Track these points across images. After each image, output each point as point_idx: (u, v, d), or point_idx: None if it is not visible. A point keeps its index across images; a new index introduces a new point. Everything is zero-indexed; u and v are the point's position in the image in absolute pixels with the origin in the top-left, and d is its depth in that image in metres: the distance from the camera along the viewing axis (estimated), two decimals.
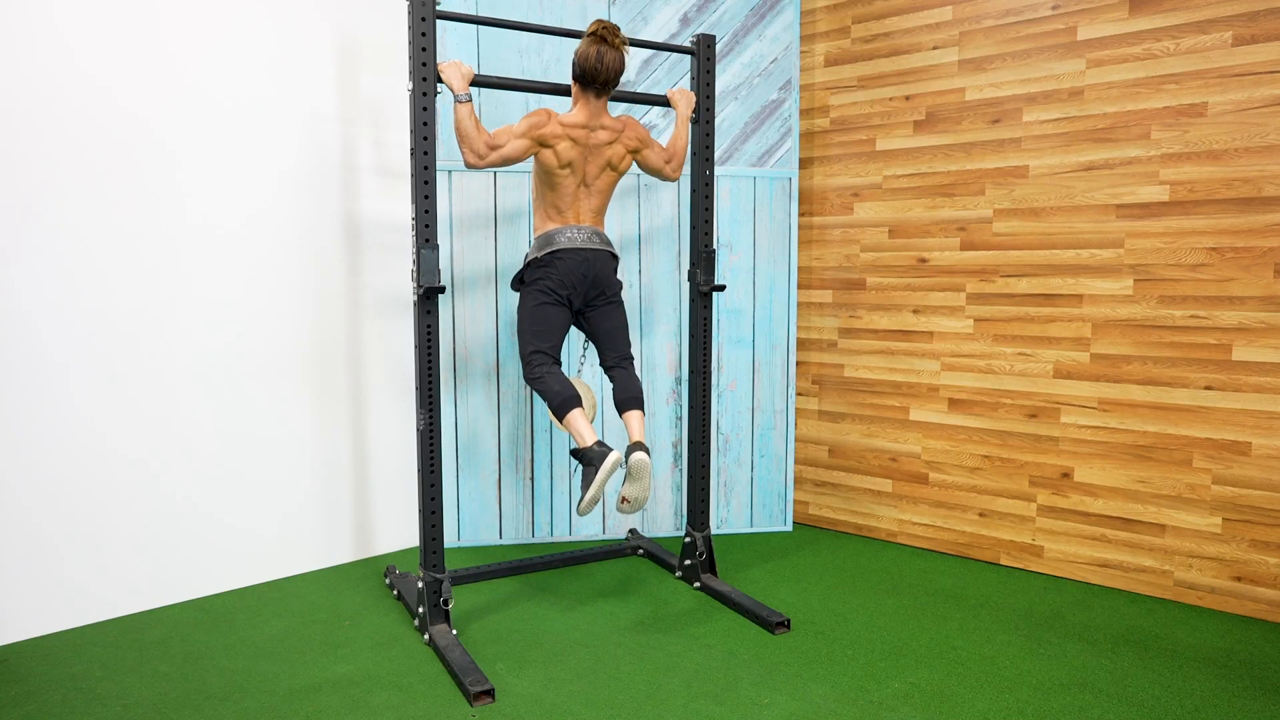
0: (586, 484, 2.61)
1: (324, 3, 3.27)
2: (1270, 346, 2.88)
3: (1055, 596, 3.13)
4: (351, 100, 3.37)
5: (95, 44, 2.75)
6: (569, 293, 2.84)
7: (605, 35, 2.70)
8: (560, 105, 3.52)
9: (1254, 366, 2.91)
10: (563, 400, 2.74)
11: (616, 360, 2.95)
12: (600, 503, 3.74)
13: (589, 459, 2.62)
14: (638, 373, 3.67)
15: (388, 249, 3.51)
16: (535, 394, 3.13)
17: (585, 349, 3.21)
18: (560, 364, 2.86)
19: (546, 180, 2.83)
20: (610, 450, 2.60)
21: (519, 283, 2.92)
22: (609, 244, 2.90)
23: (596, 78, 2.72)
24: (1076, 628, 2.86)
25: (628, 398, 2.88)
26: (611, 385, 2.94)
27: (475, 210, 3.54)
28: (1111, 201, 3.14)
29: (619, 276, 3.02)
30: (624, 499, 2.66)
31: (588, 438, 2.67)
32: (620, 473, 3.63)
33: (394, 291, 3.55)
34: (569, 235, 2.82)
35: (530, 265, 2.86)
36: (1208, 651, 2.68)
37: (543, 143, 2.75)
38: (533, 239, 3.07)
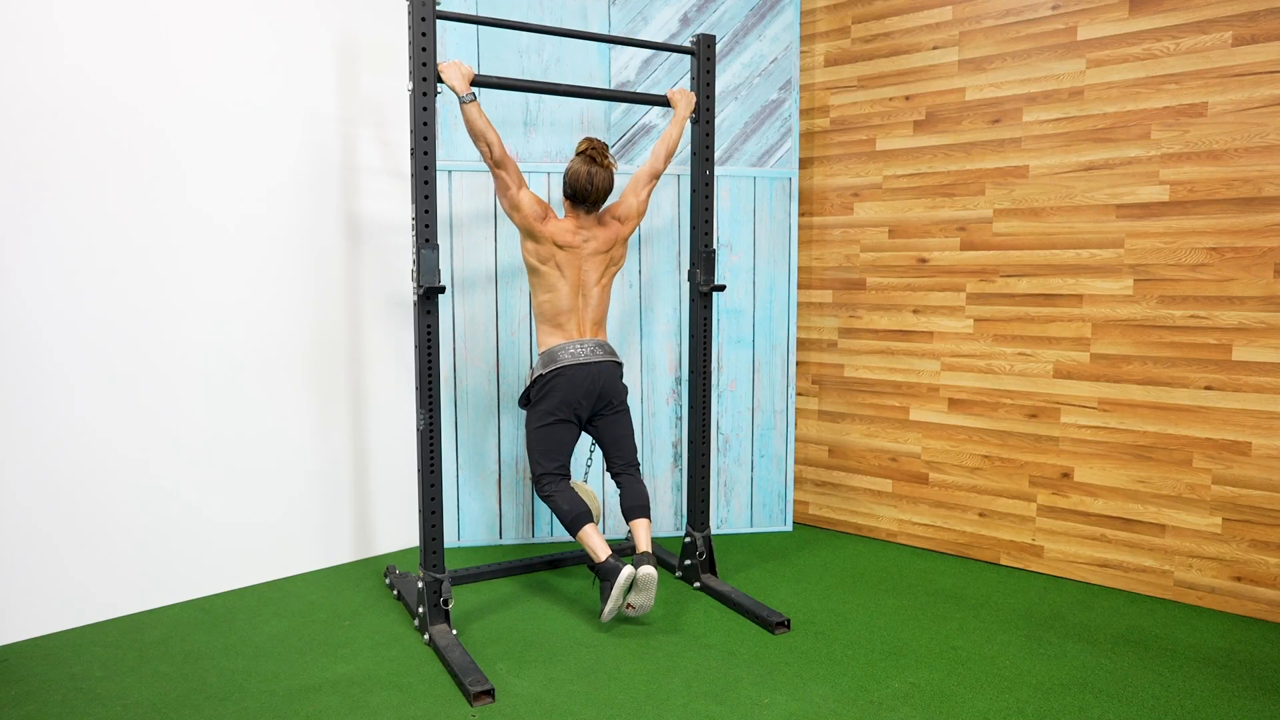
0: (604, 597, 2.73)
1: (324, 3, 3.27)
2: (1270, 346, 2.88)
3: (1055, 596, 3.13)
4: (351, 100, 3.37)
5: (96, 44, 2.75)
6: (575, 408, 2.88)
7: (594, 155, 2.81)
8: (560, 109, 3.53)
9: (1254, 366, 2.91)
10: (573, 518, 2.81)
11: (623, 467, 3.00)
12: (600, 504, 3.73)
13: (604, 574, 2.74)
14: (638, 372, 3.68)
15: (388, 249, 3.51)
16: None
17: (591, 454, 3.23)
18: (569, 478, 2.94)
19: (539, 282, 2.86)
20: (623, 566, 2.71)
21: (525, 401, 2.95)
22: (613, 353, 2.95)
23: (587, 197, 2.83)
24: (1076, 628, 2.86)
25: (635, 505, 2.93)
26: (619, 492, 2.99)
27: (475, 210, 3.54)
28: (1111, 201, 3.14)
29: (624, 382, 3.10)
30: (630, 605, 2.79)
31: (601, 553, 2.76)
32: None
33: (394, 291, 3.54)
34: (572, 351, 2.86)
35: (535, 383, 2.89)
36: (1208, 651, 2.68)
37: (528, 229, 2.80)
38: (536, 355, 3.09)
